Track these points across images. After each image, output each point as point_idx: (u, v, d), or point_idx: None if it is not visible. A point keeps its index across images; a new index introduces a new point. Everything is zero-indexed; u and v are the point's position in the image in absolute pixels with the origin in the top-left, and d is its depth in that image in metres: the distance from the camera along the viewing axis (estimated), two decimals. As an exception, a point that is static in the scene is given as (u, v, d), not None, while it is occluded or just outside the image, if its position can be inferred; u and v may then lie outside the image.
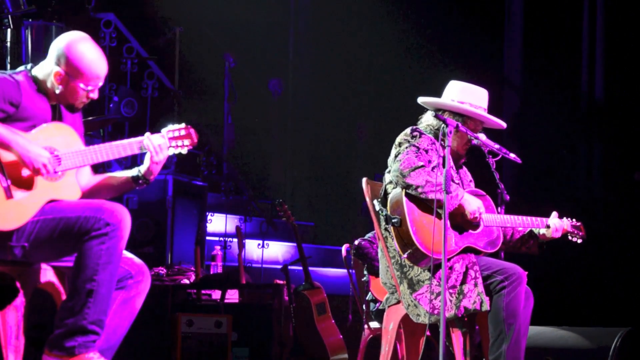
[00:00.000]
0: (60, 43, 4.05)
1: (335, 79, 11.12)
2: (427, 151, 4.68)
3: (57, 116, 4.09)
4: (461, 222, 4.71)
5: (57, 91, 4.03)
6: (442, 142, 4.50)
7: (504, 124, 4.93)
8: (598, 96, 8.42)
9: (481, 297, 4.56)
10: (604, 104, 8.39)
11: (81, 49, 4.03)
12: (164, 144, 4.13)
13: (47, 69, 4.05)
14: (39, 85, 4.04)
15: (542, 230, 4.94)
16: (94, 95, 4.08)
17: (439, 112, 4.81)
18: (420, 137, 4.72)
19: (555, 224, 4.92)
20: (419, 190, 4.57)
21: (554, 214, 4.98)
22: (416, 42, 10.40)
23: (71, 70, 4.01)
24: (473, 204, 4.68)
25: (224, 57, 10.22)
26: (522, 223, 4.87)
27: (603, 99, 8.38)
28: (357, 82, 11.08)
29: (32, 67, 4.09)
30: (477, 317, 4.71)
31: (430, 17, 10.13)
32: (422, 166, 4.58)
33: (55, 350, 3.89)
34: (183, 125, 4.21)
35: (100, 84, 4.08)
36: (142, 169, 4.17)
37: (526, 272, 4.68)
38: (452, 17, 9.82)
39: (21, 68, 4.10)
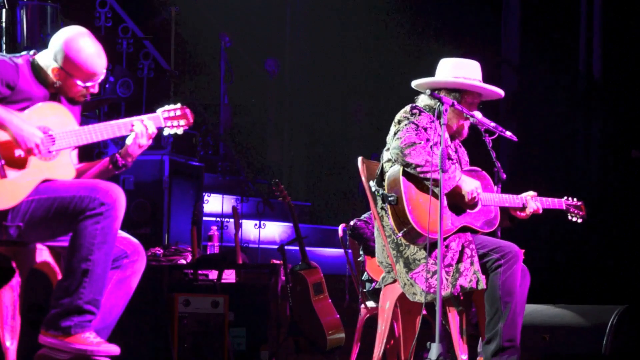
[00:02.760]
0: (58, 39, 4.04)
1: (331, 59, 11.08)
2: (426, 129, 4.66)
3: (57, 101, 4.08)
4: (459, 201, 4.70)
5: (56, 85, 4.04)
6: (439, 121, 4.48)
7: (501, 92, 4.88)
8: (596, 75, 8.39)
9: (477, 276, 4.56)
10: (602, 83, 8.37)
11: (78, 46, 4.01)
12: (152, 127, 4.09)
13: (47, 62, 4.04)
14: (39, 72, 4.03)
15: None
16: (94, 90, 4.09)
17: (435, 91, 4.77)
18: (419, 114, 4.70)
19: (532, 206, 4.86)
20: (418, 169, 4.56)
21: (532, 193, 4.90)
22: (413, 21, 10.36)
23: (68, 68, 4.01)
24: (471, 184, 4.67)
25: (219, 36, 10.18)
26: (520, 202, 4.85)
27: (601, 77, 8.36)
28: (353, 62, 11.04)
29: (34, 53, 4.07)
30: (474, 295, 4.71)
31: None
32: (421, 144, 4.56)
33: (52, 330, 3.90)
34: (179, 105, 4.21)
35: (100, 79, 4.08)
36: (121, 151, 4.13)
37: (522, 250, 4.67)
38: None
39: (24, 53, 4.09)
